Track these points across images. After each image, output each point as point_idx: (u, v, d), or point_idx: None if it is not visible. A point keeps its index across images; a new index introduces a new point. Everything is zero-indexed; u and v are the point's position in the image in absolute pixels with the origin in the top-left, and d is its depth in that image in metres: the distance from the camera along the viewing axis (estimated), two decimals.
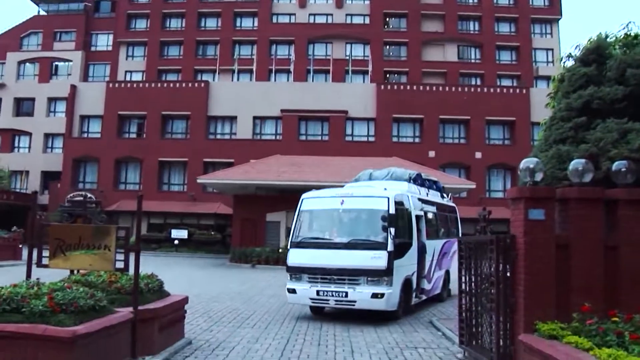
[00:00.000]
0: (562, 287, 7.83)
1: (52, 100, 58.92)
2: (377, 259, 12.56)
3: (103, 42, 63.75)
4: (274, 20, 62.65)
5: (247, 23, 62.83)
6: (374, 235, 13.00)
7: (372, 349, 10.13)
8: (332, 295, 12.84)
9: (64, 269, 8.95)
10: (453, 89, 51.49)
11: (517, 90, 51.10)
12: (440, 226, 17.62)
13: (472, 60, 61.25)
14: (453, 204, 20.01)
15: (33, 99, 59.13)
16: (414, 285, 14.22)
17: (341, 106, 49.85)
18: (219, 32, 61.39)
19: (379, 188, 14.38)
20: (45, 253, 8.55)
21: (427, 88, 51.43)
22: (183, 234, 45.66)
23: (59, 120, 56.39)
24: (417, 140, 50.46)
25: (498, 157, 47.29)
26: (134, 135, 54.09)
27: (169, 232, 46.00)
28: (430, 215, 16.01)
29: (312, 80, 56.53)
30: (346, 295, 12.69)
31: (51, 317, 6.74)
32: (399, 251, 13.03)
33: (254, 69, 56.05)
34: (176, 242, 45.13)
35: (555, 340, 7.00)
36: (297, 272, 13.50)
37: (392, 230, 12.68)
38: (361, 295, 12.56)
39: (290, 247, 13.93)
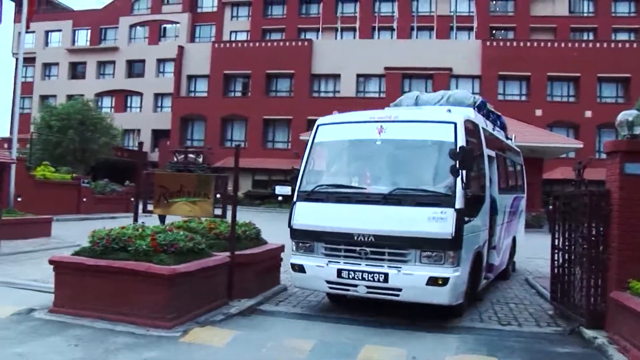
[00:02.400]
0: None
1: (161, 61, 61.30)
2: (438, 222, 7.79)
3: (208, 3, 64.94)
4: None
5: None
6: (433, 182, 8.34)
7: None
8: (363, 279, 8.11)
9: (166, 215, 9.64)
10: (562, 44, 49.32)
11: (634, 45, 48.26)
12: (509, 176, 12.75)
13: (585, 14, 57.75)
14: (518, 148, 15.14)
15: (143, 61, 61.93)
16: (484, 262, 9.63)
17: (445, 63, 49.10)
18: None
19: (439, 110, 9.72)
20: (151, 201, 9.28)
21: (535, 44, 49.61)
22: (287, 190, 46.51)
23: (168, 80, 58.66)
24: (523, 98, 49.02)
25: (610, 116, 43.81)
26: (239, 94, 55.60)
27: (273, 188, 47.09)
28: (499, 160, 11.31)
29: (416, 37, 55.63)
30: (385, 280, 7.98)
31: (153, 256, 7.39)
32: (470, 209, 8.32)
33: (357, 27, 55.63)
34: (280, 198, 46.08)
35: None
36: (306, 239, 8.71)
37: (464, 174, 7.87)
38: (410, 280, 7.85)
39: (297, 200, 8.93)
